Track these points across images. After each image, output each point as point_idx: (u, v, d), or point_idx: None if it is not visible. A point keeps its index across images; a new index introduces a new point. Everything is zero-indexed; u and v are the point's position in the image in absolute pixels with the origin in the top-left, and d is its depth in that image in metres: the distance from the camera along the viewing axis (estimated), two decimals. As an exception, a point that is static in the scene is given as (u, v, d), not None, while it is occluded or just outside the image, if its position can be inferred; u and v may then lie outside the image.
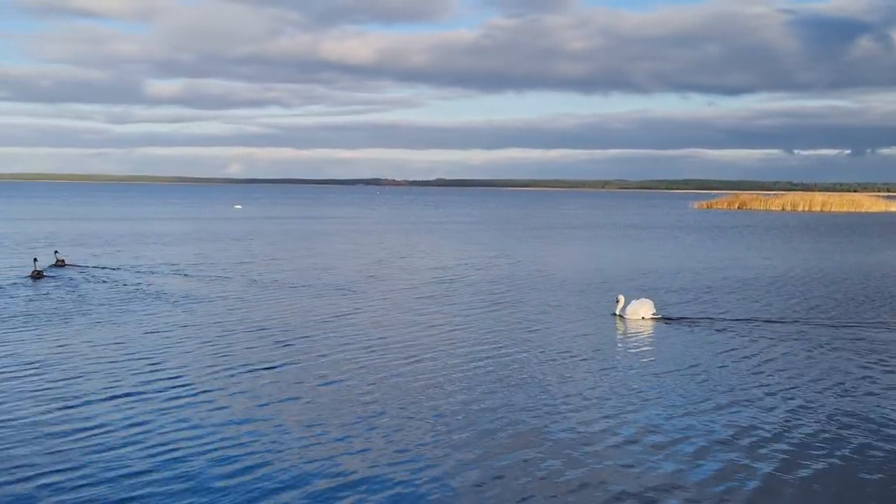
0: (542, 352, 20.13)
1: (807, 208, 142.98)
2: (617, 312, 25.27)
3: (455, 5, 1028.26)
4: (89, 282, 31.91)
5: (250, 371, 17.73)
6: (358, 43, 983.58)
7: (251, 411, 14.74)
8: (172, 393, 15.79)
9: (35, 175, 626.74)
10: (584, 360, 19.27)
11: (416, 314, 25.69)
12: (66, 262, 37.63)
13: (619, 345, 21.70)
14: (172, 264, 38.99)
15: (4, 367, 17.64)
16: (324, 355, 19.40)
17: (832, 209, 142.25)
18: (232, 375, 17.33)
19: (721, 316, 25.52)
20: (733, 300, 29.24)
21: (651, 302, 25.32)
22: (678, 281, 35.04)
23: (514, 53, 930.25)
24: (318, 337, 21.71)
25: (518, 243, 59.14)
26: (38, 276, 33.11)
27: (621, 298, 25.48)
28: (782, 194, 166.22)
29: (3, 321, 23.07)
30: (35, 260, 34.14)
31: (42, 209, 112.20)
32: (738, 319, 24.87)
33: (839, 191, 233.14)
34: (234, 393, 15.94)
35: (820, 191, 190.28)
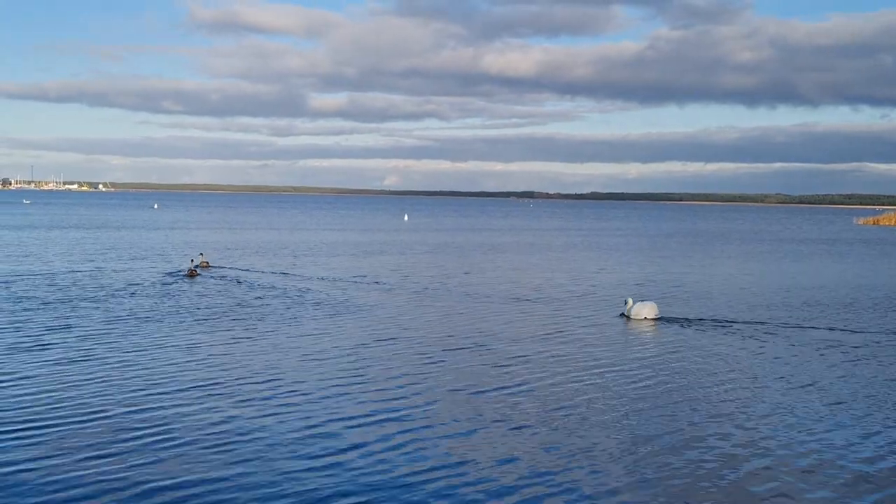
0: (770, 377, 18.15)
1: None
2: (626, 313, 26.87)
3: (620, 17, 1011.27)
4: (273, 288, 31.77)
5: (473, 392, 16.54)
6: (520, 56, 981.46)
7: (485, 438, 13.40)
8: (421, 421, 14.65)
9: (202, 186, 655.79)
10: (802, 386, 17.19)
11: (626, 333, 24.08)
12: (210, 265, 39.49)
13: (820, 375, 19.33)
14: (362, 275, 38.57)
15: (220, 379, 17.00)
16: (543, 377, 18.00)
17: None
18: (456, 396, 16.13)
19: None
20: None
21: (654, 304, 26.92)
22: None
23: (678, 65, 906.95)
24: (532, 356, 20.31)
25: (696, 258, 56.39)
26: (193, 275, 35.71)
27: (630, 300, 27.21)
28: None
29: (188, 323, 22.84)
30: (192, 260, 38.59)
31: (222, 218, 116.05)
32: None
33: None
34: (466, 418, 14.65)
35: None
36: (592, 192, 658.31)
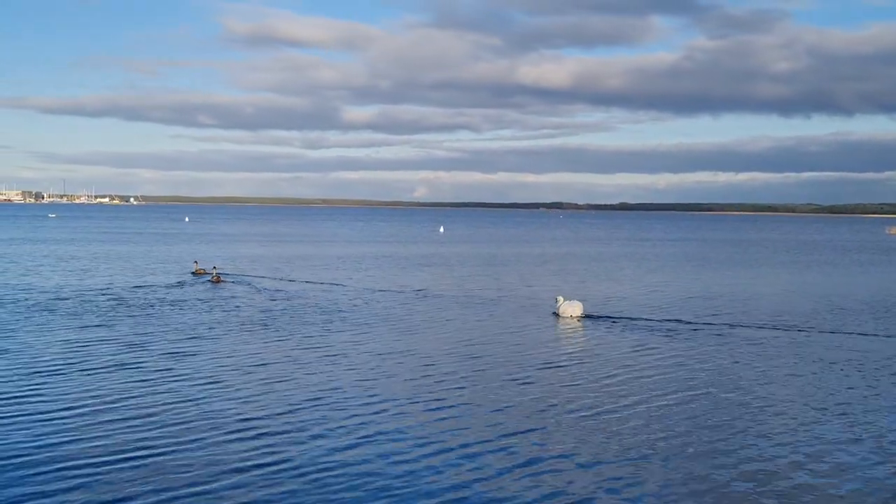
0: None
1: None
2: (555, 311, 28.66)
3: (657, 28, 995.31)
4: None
5: (580, 415, 15.66)
6: (554, 67, 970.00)
7: (606, 469, 12.51)
8: (537, 449, 13.78)
9: (233, 198, 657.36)
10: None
11: (714, 350, 23.01)
12: (205, 271, 41.04)
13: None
14: (419, 289, 37.73)
15: (316, 402, 16.19)
16: (644, 398, 17.06)
17: None
18: (559, 420, 15.26)
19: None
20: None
21: (580, 303, 28.77)
22: None
23: (714, 75, 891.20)
24: (619, 374, 19.41)
25: (739, 268, 55.18)
26: (217, 281, 37.73)
27: (560, 299, 29.10)
28: None
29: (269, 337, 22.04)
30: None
31: (261, 230, 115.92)
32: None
33: None
34: (575, 444, 13.77)
35: None
36: (622, 203, 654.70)
